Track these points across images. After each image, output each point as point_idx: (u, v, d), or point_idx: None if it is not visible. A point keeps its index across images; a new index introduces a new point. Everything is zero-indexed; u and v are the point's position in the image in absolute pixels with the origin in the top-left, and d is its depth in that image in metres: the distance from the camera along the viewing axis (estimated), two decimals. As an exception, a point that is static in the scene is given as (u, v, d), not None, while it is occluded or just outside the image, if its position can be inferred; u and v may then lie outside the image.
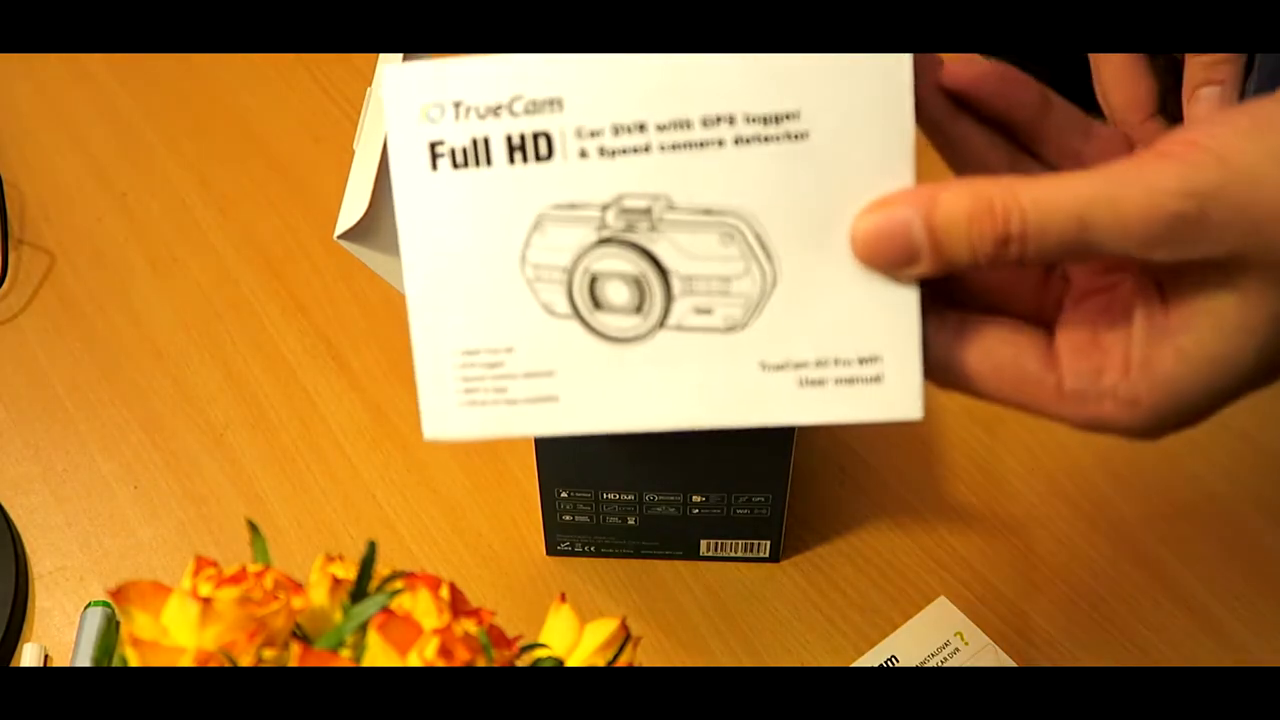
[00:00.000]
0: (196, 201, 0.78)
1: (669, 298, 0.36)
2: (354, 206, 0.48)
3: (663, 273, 0.36)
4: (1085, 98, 0.70)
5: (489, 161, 0.36)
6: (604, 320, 0.37)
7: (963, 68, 0.36)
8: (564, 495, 0.59)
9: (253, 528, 0.40)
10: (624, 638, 0.40)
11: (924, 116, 0.36)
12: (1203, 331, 0.34)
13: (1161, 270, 0.34)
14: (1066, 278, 0.38)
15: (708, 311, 0.36)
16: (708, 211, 0.36)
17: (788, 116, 0.35)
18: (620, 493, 0.59)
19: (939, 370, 0.36)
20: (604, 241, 0.36)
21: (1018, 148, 0.38)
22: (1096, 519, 0.63)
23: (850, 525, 0.64)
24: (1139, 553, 0.62)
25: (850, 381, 0.36)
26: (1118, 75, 0.64)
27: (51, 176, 0.80)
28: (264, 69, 0.85)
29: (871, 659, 0.59)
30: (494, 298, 0.37)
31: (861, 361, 0.36)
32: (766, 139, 0.35)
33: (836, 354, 0.36)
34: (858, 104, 0.35)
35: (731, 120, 0.35)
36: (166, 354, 0.71)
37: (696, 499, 0.59)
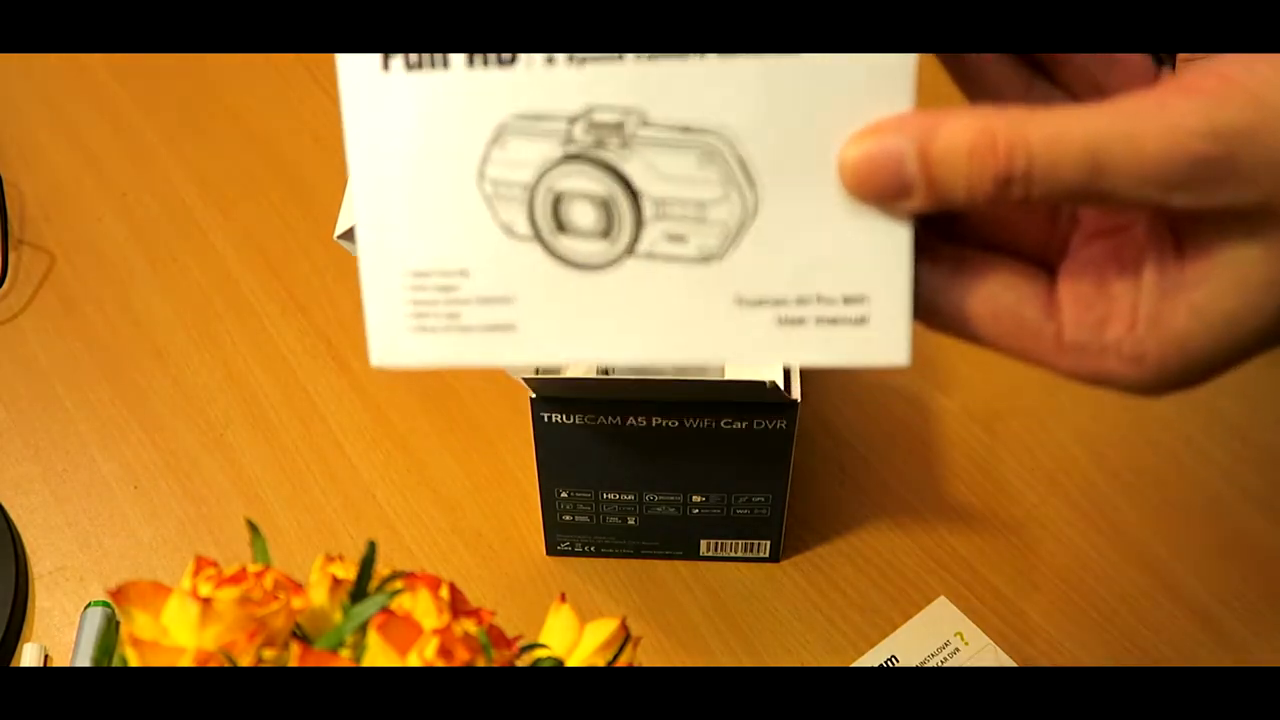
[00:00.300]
0: (196, 201, 0.78)
1: (639, 222, 0.34)
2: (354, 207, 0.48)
3: (633, 194, 0.33)
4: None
5: (446, 63, 0.33)
6: (568, 244, 0.34)
7: None
8: (564, 495, 0.59)
9: (253, 528, 0.40)
10: (624, 638, 0.40)
11: None
12: (1221, 286, 0.31)
13: (1178, 216, 0.31)
14: (1075, 216, 0.35)
15: (681, 239, 0.34)
16: (686, 129, 0.33)
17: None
18: (620, 493, 0.59)
19: (929, 312, 0.34)
20: (570, 158, 0.33)
21: (1034, 72, 0.35)
22: (1096, 519, 0.63)
23: (850, 525, 0.64)
24: (1139, 553, 0.62)
25: (833, 322, 0.33)
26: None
27: (51, 176, 0.80)
28: (264, 69, 0.85)
29: (871, 659, 0.59)
30: (448, 215, 0.34)
31: (846, 301, 0.33)
32: (755, 50, 0.32)
33: (819, 291, 0.33)
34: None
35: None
36: (166, 354, 0.71)
37: (696, 499, 0.59)
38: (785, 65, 0.32)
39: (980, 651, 0.59)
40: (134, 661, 0.34)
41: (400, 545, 0.64)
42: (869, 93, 0.32)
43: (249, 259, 0.75)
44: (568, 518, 0.60)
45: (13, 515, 0.65)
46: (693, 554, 0.62)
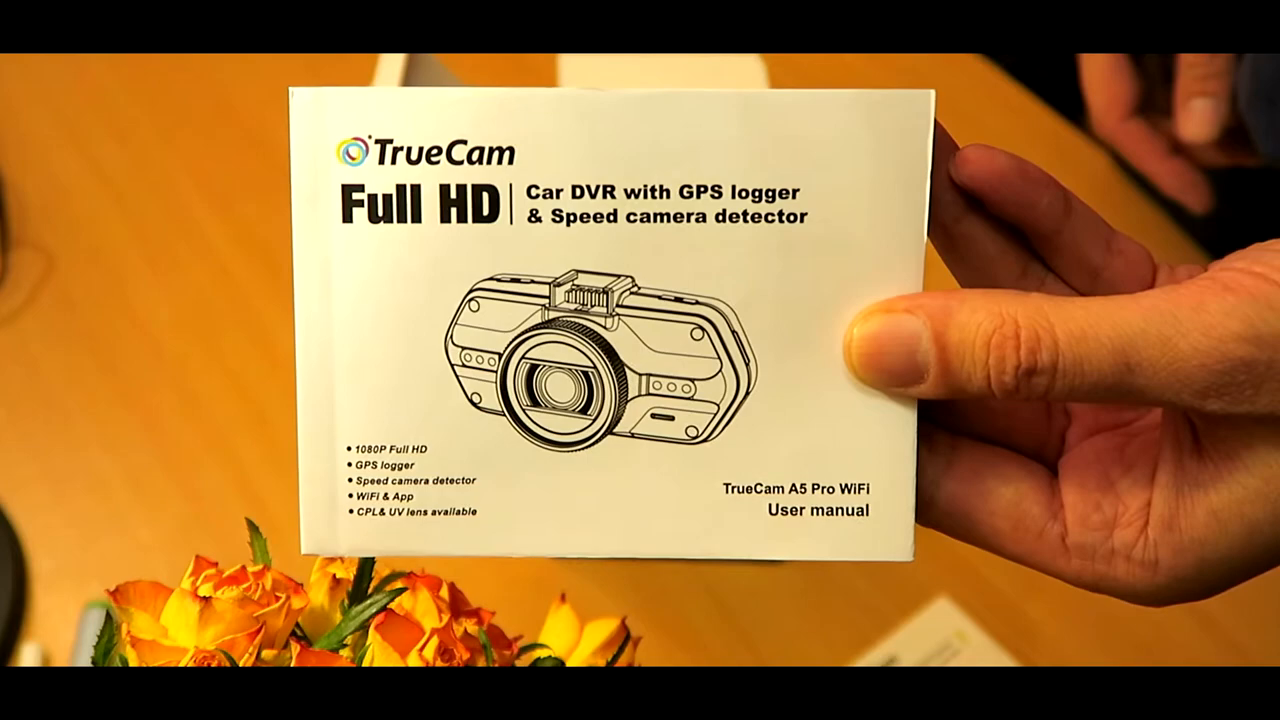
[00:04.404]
0: (196, 201, 0.78)
1: (623, 397, 0.31)
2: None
3: (618, 367, 0.31)
4: (1072, 98, 0.71)
5: (417, 217, 0.30)
6: (542, 420, 0.31)
7: (981, 160, 0.30)
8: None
9: (253, 528, 0.40)
10: (624, 638, 0.40)
11: (932, 211, 0.30)
12: (1244, 491, 0.29)
13: (1205, 416, 0.29)
14: (1068, 410, 0.33)
15: (668, 418, 0.31)
16: (679, 299, 0.30)
17: (784, 193, 0.30)
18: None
19: (923, 504, 0.31)
20: (550, 324, 0.30)
21: (1030, 256, 0.32)
22: (1096, 519, 0.63)
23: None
24: (1139, 553, 0.62)
25: (830, 513, 0.31)
26: (1101, 75, 0.64)
27: (51, 176, 0.80)
28: (264, 69, 0.85)
29: (871, 659, 0.59)
30: (407, 384, 0.31)
31: (845, 489, 0.31)
32: (756, 218, 0.30)
33: (816, 478, 0.31)
34: (867, 177, 0.30)
35: (717, 191, 0.30)
36: (166, 354, 0.71)
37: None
38: (788, 234, 0.30)
39: (980, 651, 0.59)
40: (134, 661, 0.34)
41: (400, 545, 0.64)
42: (876, 268, 0.30)
43: (249, 259, 0.75)
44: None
45: (13, 515, 0.65)
46: (693, 554, 0.62)
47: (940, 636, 0.60)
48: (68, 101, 0.84)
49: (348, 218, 0.31)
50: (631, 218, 0.30)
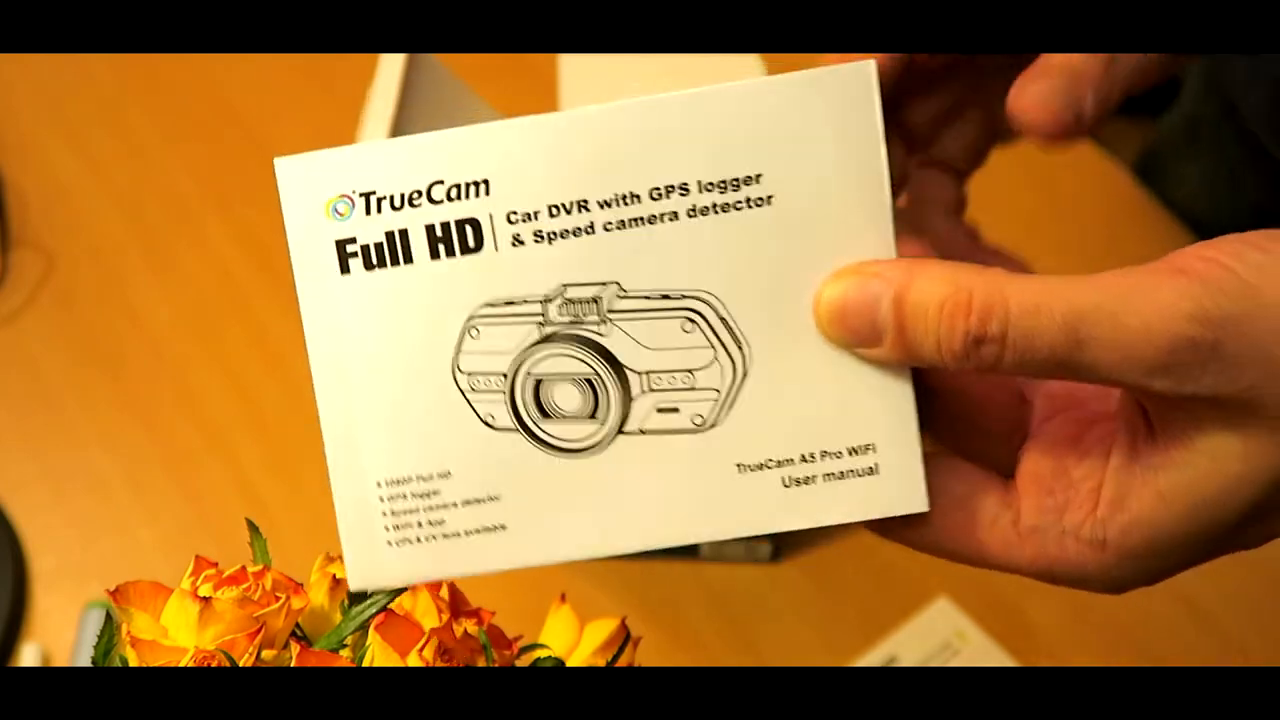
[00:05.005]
0: (196, 201, 0.78)
1: (627, 398, 0.32)
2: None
3: (618, 370, 0.32)
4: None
5: (409, 258, 0.31)
6: (554, 430, 0.32)
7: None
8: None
9: (253, 528, 0.40)
10: (624, 638, 0.40)
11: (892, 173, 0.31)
12: (1192, 474, 0.29)
13: (1155, 399, 0.30)
14: (1029, 398, 0.34)
15: (673, 410, 0.32)
16: (665, 296, 0.31)
17: (748, 180, 0.31)
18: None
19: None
20: (548, 339, 0.32)
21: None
22: (1096, 519, 0.63)
23: (850, 525, 0.64)
24: (1139, 553, 0.62)
25: (841, 477, 0.32)
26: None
27: (51, 176, 0.80)
28: (264, 69, 0.85)
29: (871, 659, 0.59)
30: (424, 415, 0.32)
31: (852, 452, 0.32)
32: (725, 208, 0.31)
33: (823, 446, 0.32)
34: (824, 154, 0.31)
35: (685, 189, 0.31)
36: (166, 354, 0.71)
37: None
38: (759, 218, 0.31)
39: (980, 651, 0.59)
40: (134, 661, 0.34)
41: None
42: (848, 239, 0.31)
43: (249, 259, 0.75)
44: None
45: (13, 515, 0.65)
46: (693, 554, 0.62)
47: (940, 636, 0.60)
48: (68, 101, 0.84)
49: (345, 269, 0.32)
50: (608, 227, 0.31)
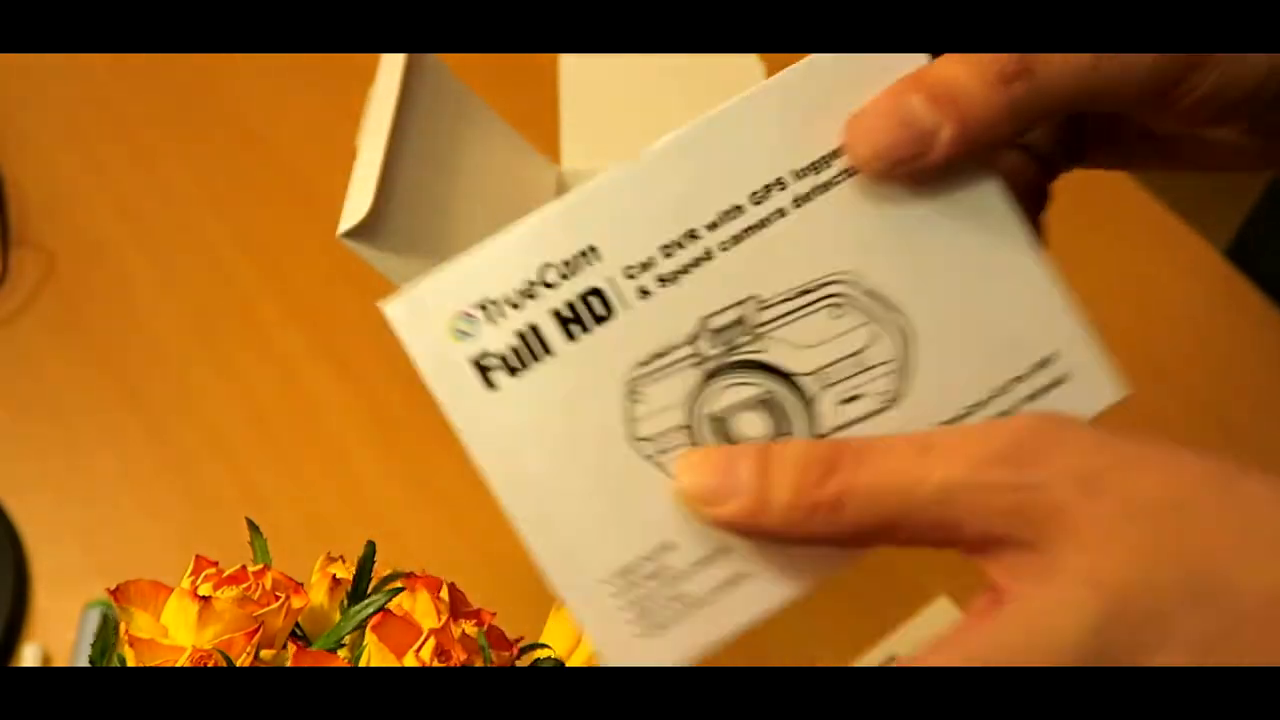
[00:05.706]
0: (196, 201, 0.78)
1: (807, 402, 0.31)
2: (357, 205, 0.48)
3: (787, 379, 0.31)
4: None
5: (547, 350, 0.31)
6: None
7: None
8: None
9: (253, 528, 0.40)
10: (624, 638, 0.40)
11: None
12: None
13: None
14: None
15: (856, 397, 0.31)
16: (804, 291, 0.31)
17: (835, 154, 0.31)
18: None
19: None
20: (711, 376, 0.31)
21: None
22: (1097, 519, 0.63)
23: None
24: (1139, 553, 0.62)
25: (1039, 394, 0.32)
26: None
27: (51, 176, 0.80)
28: (264, 69, 0.85)
29: (871, 659, 0.59)
30: (622, 496, 0.31)
31: (1038, 367, 0.32)
32: (825, 186, 0.31)
33: (1011, 374, 0.32)
34: None
35: (781, 184, 0.31)
36: (166, 354, 0.71)
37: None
38: (860, 185, 0.31)
39: (980, 652, 0.59)
40: (133, 661, 0.34)
41: (400, 545, 0.64)
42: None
43: (249, 259, 0.75)
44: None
45: (13, 515, 0.65)
46: (693, 554, 0.62)
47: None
48: (68, 101, 0.84)
49: (490, 385, 0.31)
50: (724, 246, 0.31)
